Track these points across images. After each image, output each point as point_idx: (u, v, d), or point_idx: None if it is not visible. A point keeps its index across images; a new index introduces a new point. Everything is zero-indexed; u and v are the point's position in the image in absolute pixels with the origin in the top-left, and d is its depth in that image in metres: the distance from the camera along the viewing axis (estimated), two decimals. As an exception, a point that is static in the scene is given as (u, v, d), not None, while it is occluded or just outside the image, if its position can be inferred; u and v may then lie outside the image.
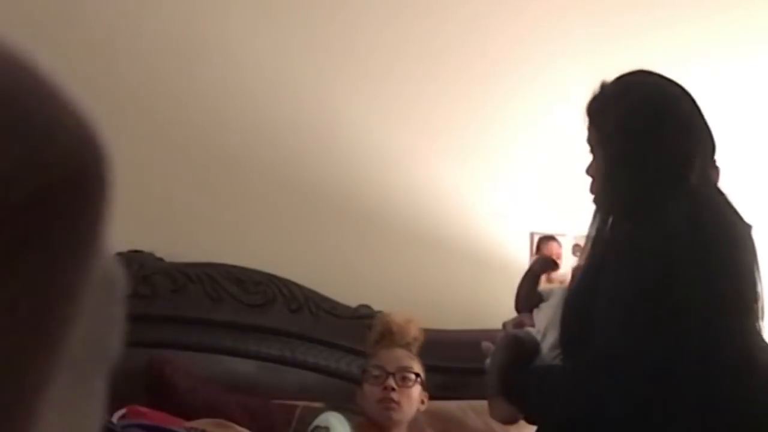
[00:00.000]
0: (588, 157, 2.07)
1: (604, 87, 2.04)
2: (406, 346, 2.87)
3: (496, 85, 3.59)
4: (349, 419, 2.78)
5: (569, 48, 3.59)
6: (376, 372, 2.77)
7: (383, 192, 3.48)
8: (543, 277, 3.46)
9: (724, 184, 2.06)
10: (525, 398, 2.00)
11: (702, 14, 3.70)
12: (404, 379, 2.76)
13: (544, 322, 2.06)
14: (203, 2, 3.43)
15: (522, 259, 3.51)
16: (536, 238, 3.54)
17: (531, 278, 2.22)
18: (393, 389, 2.72)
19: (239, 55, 3.41)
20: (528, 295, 2.19)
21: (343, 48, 3.52)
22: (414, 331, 2.90)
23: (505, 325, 2.18)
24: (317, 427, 2.73)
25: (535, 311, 2.11)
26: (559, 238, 3.51)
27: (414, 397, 2.77)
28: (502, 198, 3.55)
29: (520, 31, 3.62)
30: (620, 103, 2.01)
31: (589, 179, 2.06)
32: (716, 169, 2.01)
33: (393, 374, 2.75)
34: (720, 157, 3.43)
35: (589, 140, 2.05)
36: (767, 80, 3.74)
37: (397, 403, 2.72)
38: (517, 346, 2.05)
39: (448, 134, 3.56)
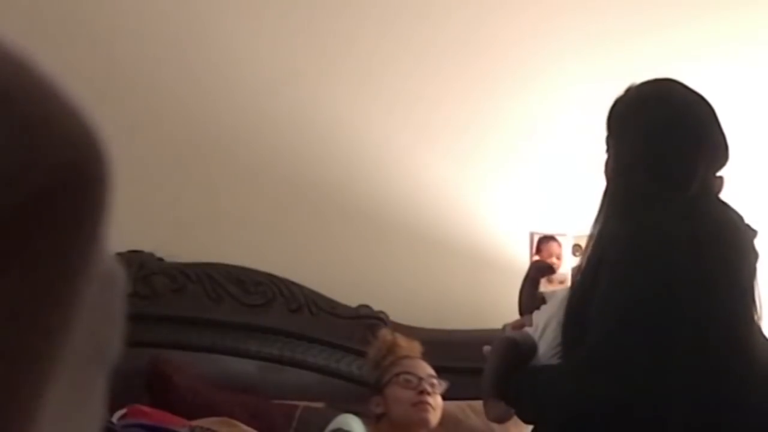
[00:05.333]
0: (603, 158, 2.09)
1: (629, 91, 2.06)
2: (418, 356, 2.93)
3: (496, 85, 3.59)
4: (364, 423, 2.80)
5: (569, 48, 3.59)
6: (407, 377, 2.83)
7: (383, 192, 3.48)
8: (544, 280, 3.47)
9: (728, 185, 2.07)
10: (519, 399, 2.01)
11: (702, 15, 3.70)
12: (433, 385, 2.84)
13: (542, 322, 2.07)
14: (203, 2, 3.43)
15: (522, 259, 3.51)
16: (536, 238, 3.53)
17: (530, 283, 2.24)
18: (429, 393, 2.80)
19: (240, 55, 3.41)
20: (529, 299, 2.20)
21: (343, 48, 3.52)
22: (418, 345, 2.97)
23: (505, 327, 2.19)
24: (339, 429, 2.74)
25: (535, 312, 2.12)
26: (559, 238, 3.51)
27: (440, 404, 2.86)
28: (502, 198, 3.55)
29: (520, 31, 3.62)
30: (639, 110, 2.03)
31: (604, 181, 2.08)
32: (720, 179, 2.02)
33: (424, 379, 2.84)
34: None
35: (607, 141, 2.07)
36: (765, 80, 3.74)
37: (433, 407, 2.80)
38: (512, 349, 2.06)
39: (448, 134, 3.56)
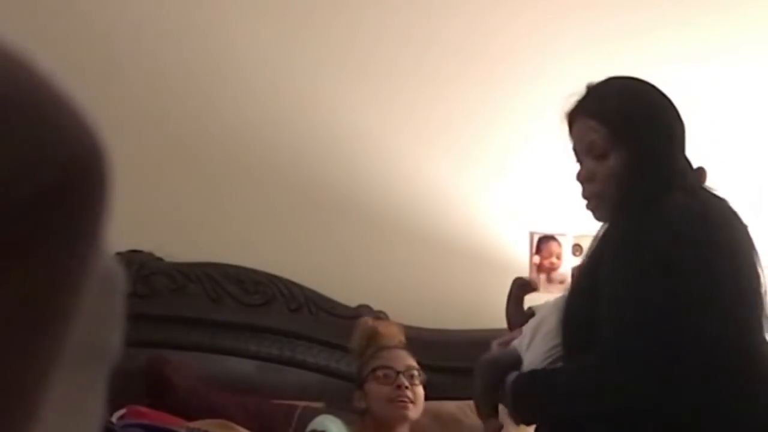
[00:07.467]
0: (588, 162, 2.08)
1: (608, 88, 2.06)
2: (398, 344, 2.89)
3: (496, 85, 3.59)
4: (347, 422, 2.78)
5: (569, 48, 3.59)
6: (383, 372, 2.80)
7: (383, 192, 3.48)
8: (543, 278, 3.47)
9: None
10: (528, 403, 1.99)
11: (702, 14, 3.70)
12: (412, 377, 2.81)
13: (530, 330, 2.07)
14: (204, 3, 3.43)
15: (522, 259, 3.51)
16: (536, 238, 3.54)
17: (514, 302, 2.24)
18: (406, 387, 2.76)
19: (239, 55, 3.41)
20: (515, 317, 2.21)
21: (343, 48, 3.52)
22: (398, 332, 2.93)
23: (492, 343, 2.18)
24: (314, 430, 2.74)
25: (525, 326, 2.12)
26: (559, 238, 3.51)
27: (421, 394, 2.82)
28: (502, 198, 3.55)
29: (520, 31, 3.62)
30: (636, 106, 2.03)
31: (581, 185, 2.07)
32: (702, 171, 2.02)
33: (402, 373, 2.79)
34: (719, 158, 3.43)
35: (594, 142, 2.04)
36: (765, 81, 3.74)
37: (411, 401, 2.77)
38: (491, 368, 2.08)
39: (448, 134, 3.56)
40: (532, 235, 3.54)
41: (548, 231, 3.53)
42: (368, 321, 2.98)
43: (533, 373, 1.99)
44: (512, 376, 2.02)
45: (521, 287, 2.29)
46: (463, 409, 3.14)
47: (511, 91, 3.59)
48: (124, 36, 3.32)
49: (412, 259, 3.49)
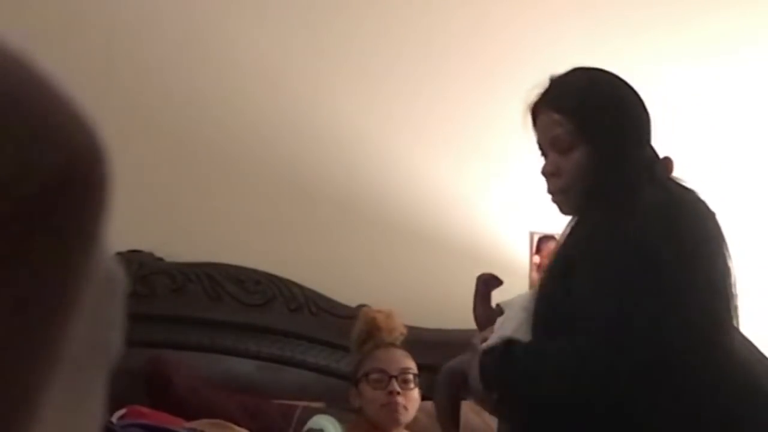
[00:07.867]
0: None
1: (572, 81, 2.05)
2: (396, 342, 2.87)
3: (496, 85, 3.59)
4: (343, 420, 2.78)
5: (569, 48, 3.59)
6: (376, 375, 2.76)
7: (383, 192, 3.48)
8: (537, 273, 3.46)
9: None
10: (499, 375, 1.91)
11: (702, 13, 3.70)
12: (406, 381, 2.77)
13: (496, 329, 2.05)
14: (203, 3, 3.43)
15: (522, 259, 3.51)
16: (536, 238, 3.54)
17: (480, 299, 2.19)
18: (398, 393, 2.73)
19: (239, 55, 3.41)
20: (484, 314, 2.16)
21: (343, 48, 3.52)
22: (399, 326, 2.90)
23: (473, 341, 2.15)
24: (311, 429, 2.73)
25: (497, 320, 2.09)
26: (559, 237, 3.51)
27: (416, 398, 2.78)
28: (502, 198, 3.55)
29: (520, 31, 3.63)
30: (601, 98, 2.01)
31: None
32: (669, 161, 2.01)
33: (395, 377, 2.76)
34: (718, 157, 3.43)
35: (559, 137, 2.02)
36: (764, 79, 3.74)
37: (404, 406, 2.73)
38: (452, 380, 2.05)
39: (447, 134, 3.56)
40: (532, 235, 3.55)
41: (548, 231, 3.53)
42: (370, 311, 2.95)
43: (509, 345, 1.91)
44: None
45: (486, 283, 2.23)
46: (463, 409, 3.14)
47: (511, 91, 3.58)
48: (123, 36, 3.32)
49: (412, 259, 3.49)
